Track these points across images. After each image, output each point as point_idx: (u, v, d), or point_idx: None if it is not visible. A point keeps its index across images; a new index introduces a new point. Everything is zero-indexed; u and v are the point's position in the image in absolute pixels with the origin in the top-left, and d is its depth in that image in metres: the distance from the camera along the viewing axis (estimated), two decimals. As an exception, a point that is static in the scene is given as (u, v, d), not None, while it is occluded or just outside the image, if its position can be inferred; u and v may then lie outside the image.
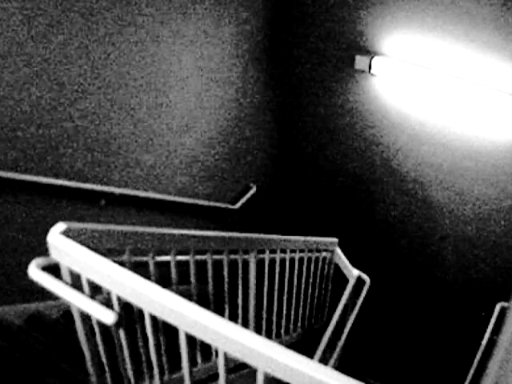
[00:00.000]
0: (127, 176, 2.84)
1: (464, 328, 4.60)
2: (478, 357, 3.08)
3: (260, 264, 3.51)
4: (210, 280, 2.04)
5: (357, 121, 4.02)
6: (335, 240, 3.38)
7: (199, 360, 2.06)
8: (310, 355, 2.55)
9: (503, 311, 3.37)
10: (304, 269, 3.10)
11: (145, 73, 2.72)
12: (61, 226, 1.32)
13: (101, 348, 1.51)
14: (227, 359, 1.17)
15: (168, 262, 2.00)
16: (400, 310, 5.03)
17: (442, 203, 4.02)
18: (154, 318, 1.45)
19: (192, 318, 1.07)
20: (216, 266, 3.29)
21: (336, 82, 3.89)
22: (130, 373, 1.61)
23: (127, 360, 1.57)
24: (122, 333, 1.49)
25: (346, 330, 2.93)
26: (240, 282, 2.30)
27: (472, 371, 2.99)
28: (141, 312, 1.69)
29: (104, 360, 1.52)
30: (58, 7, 2.11)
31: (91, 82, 2.40)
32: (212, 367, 2.16)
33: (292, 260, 3.59)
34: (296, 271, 2.97)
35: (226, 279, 2.12)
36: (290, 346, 3.14)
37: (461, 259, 4.24)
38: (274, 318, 2.84)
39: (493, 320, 3.31)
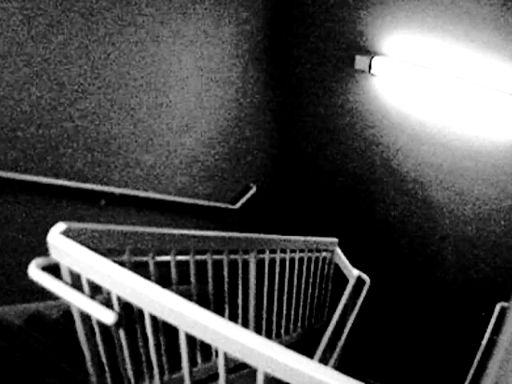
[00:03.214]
0: (127, 176, 2.84)
1: (464, 328, 4.60)
2: (477, 357, 3.08)
3: (260, 264, 3.51)
4: (210, 280, 2.04)
5: (357, 121, 4.02)
6: (335, 240, 3.38)
7: (199, 360, 2.06)
8: (310, 355, 2.55)
9: (503, 311, 3.37)
10: (304, 269, 3.10)
11: (145, 73, 2.72)
12: (61, 226, 1.32)
13: (101, 348, 1.51)
14: (227, 359, 1.17)
15: (168, 262, 2.00)
16: (400, 310, 5.03)
17: (442, 203, 4.02)
18: (154, 318, 1.45)
19: (192, 318, 1.07)
20: (216, 266, 3.29)
21: (336, 82, 3.89)
22: (130, 373, 1.61)
23: (127, 360, 1.57)
24: (122, 333, 1.49)
25: (346, 330, 2.93)
26: (240, 281, 2.30)
27: (472, 371, 2.99)
28: (141, 312, 1.69)
29: (104, 360, 1.52)
30: (58, 7, 2.11)
31: (91, 82, 2.40)
32: (212, 367, 2.16)
33: (292, 260, 3.59)
34: (296, 271, 2.97)
35: (226, 279, 2.12)
36: (290, 345, 3.14)
37: (461, 259, 4.24)
38: (274, 318, 2.84)
39: (493, 320, 3.31)
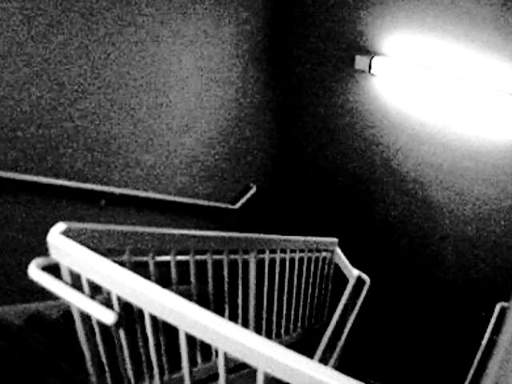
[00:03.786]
0: (127, 176, 2.84)
1: (464, 328, 4.60)
2: (477, 357, 3.08)
3: (260, 264, 3.51)
4: (210, 280, 2.04)
5: (357, 121, 4.02)
6: (335, 240, 3.38)
7: (199, 360, 2.06)
8: (310, 355, 2.55)
9: (503, 311, 3.37)
10: (304, 269, 3.10)
11: (145, 73, 2.72)
12: (61, 226, 1.32)
13: (101, 348, 1.51)
14: (227, 359, 1.17)
15: (168, 262, 2.00)
16: (400, 310, 5.03)
17: (442, 203, 4.02)
18: (154, 318, 1.45)
19: (192, 318, 1.07)
20: (216, 266, 3.29)
21: (336, 82, 3.89)
22: (130, 373, 1.61)
23: (127, 360, 1.57)
24: (122, 333, 1.49)
25: (346, 330, 2.93)
26: (240, 281, 2.30)
27: (472, 371, 2.99)
28: (141, 312, 1.69)
29: (104, 360, 1.52)
30: (58, 7, 2.11)
31: (91, 82, 2.40)
32: (212, 367, 2.16)
33: (292, 260, 3.59)
34: (296, 271, 2.97)
35: (226, 279, 2.12)
36: (290, 345, 3.14)
37: (461, 259, 4.24)
38: (274, 318, 2.84)
39: (493, 320, 3.31)
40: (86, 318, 1.43)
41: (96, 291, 1.39)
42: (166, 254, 2.20)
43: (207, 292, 2.06)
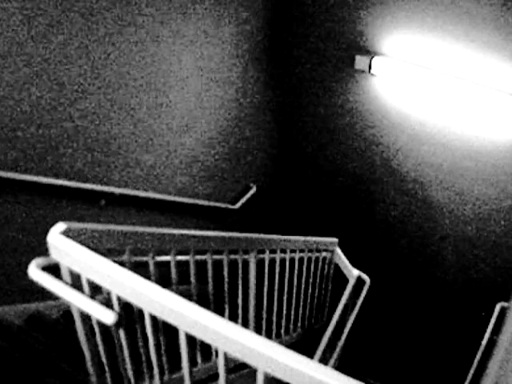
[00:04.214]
0: (127, 176, 2.84)
1: (464, 328, 4.60)
2: (477, 357, 3.08)
3: (260, 264, 3.51)
4: (210, 280, 2.04)
5: (357, 121, 4.02)
6: (335, 240, 3.38)
7: (199, 360, 2.06)
8: (310, 355, 2.55)
9: (503, 311, 3.37)
10: (304, 269, 3.10)
11: (145, 73, 2.72)
12: (61, 226, 1.32)
13: (101, 348, 1.51)
14: (227, 359, 1.17)
15: (168, 262, 2.00)
16: (400, 310, 5.03)
17: (442, 203, 4.02)
18: (154, 318, 1.45)
19: (192, 318, 1.07)
20: (216, 266, 3.29)
21: (336, 82, 3.89)
22: (130, 373, 1.61)
23: (127, 360, 1.57)
24: (122, 333, 1.49)
25: (346, 330, 2.93)
26: (240, 281, 2.30)
27: (472, 371, 2.99)
28: (141, 312, 1.69)
29: (104, 360, 1.52)
30: (58, 7, 2.11)
31: (91, 82, 2.40)
32: (212, 367, 2.16)
33: (292, 260, 3.59)
34: (296, 271, 2.97)
35: (226, 279, 2.12)
36: (290, 345, 3.14)
37: (461, 259, 4.24)
38: (274, 318, 2.84)
39: (493, 320, 3.31)
40: (86, 318, 1.43)
41: (96, 291, 1.39)
42: (166, 254, 2.20)
43: (207, 292, 2.06)
